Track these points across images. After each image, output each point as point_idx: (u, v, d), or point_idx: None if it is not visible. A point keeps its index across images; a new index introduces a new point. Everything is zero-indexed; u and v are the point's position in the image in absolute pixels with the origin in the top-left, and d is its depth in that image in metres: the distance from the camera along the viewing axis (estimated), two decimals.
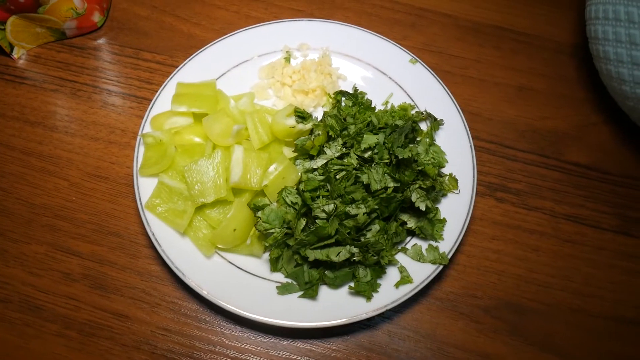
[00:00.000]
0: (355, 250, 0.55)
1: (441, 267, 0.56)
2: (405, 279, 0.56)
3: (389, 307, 0.55)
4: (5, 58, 0.72)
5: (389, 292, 0.56)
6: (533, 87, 0.73)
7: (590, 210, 0.65)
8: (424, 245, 0.58)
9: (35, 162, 0.65)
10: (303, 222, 0.55)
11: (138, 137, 0.61)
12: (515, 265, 0.62)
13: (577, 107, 0.72)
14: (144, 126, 0.62)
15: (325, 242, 0.55)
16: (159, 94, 0.65)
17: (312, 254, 0.54)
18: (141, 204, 0.58)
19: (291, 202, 0.56)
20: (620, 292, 0.61)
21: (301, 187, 0.56)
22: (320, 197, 0.56)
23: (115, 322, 0.57)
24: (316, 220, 0.55)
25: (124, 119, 0.69)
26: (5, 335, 0.56)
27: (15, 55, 0.71)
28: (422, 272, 0.56)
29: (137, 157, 0.61)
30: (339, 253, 0.55)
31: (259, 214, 0.56)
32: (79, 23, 0.72)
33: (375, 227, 0.57)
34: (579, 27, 0.78)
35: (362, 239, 0.56)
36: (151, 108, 0.64)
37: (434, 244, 0.58)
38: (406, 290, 0.55)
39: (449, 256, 0.57)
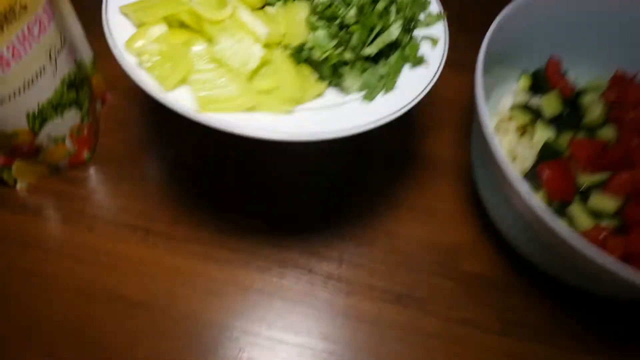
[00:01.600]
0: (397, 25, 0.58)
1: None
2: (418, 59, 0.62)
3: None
4: (9, 190, 0.88)
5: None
6: (438, 208, 0.91)
7: (478, 314, 0.81)
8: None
9: (34, 280, 0.81)
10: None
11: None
12: None
13: (471, 224, 0.89)
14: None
15: (375, 32, 0.58)
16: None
17: (369, 50, 0.58)
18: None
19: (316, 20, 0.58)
20: None
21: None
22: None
23: None
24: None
25: (112, 241, 0.85)
26: None
27: (18, 187, 0.88)
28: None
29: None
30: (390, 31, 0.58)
31: (308, 42, 0.57)
32: (71, 161, 0.89)
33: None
34: None
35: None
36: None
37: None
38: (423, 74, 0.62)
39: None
